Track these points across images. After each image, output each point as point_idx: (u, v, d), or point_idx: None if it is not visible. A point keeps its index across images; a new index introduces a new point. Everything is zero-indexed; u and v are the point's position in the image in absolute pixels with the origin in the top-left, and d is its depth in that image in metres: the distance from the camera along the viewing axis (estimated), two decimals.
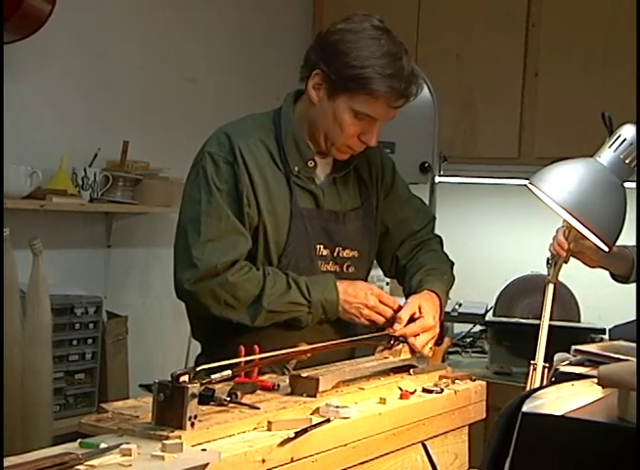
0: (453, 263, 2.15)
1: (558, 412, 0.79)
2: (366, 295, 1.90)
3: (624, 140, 1.49)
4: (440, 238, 2.21)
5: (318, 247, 1.94)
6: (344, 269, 1.98)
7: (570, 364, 1.18)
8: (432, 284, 1.98)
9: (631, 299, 2.58)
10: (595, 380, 0.96)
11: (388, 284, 3.26)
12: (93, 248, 3.02)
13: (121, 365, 2.98)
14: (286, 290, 1.86)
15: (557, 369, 1.15)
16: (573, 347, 1.24)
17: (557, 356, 1.24)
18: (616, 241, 1.53)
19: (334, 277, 1.92)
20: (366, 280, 2.06)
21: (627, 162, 1.49)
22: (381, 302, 1.90)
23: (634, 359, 1.08)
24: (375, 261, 2.16)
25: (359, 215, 2.01)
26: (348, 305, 1.89)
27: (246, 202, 1.87)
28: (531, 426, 0.79)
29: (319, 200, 1.96)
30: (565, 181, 1.47)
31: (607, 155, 1.51)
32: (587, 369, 1.16)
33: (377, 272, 2.33)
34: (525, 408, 0.84)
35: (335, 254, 1.97)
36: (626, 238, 1.61)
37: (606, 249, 1.51)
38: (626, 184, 1.70)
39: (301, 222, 1.91)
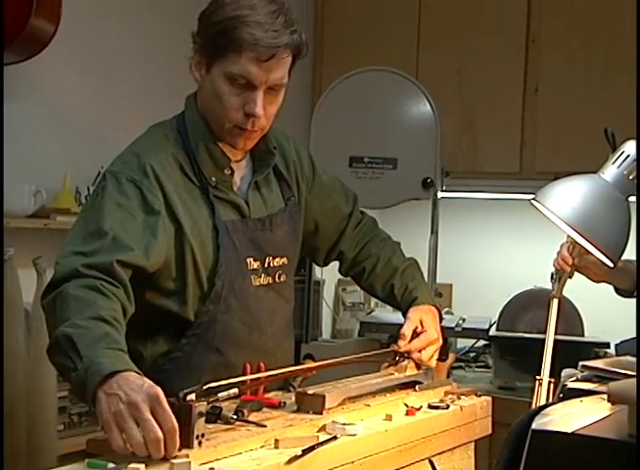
0: (399, 243, 2.10)
1: (567, 429, 0.79)
2: (142, 401, 1.27)
3: (627, 156, 1.49)
4: (371, 217, 2.10)
5: (248, 261, 1.77)
6: (277, 279, 1.83)
7: (577, 380, 1.17)
8: (423, 295, 1.96)
9: (635, 312, 2.59)
10: (603, 396, 0.96)
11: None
12: None
13: None
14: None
15: (565, 385, 1.15)
16: (581, 363, 1.24)
17: (564, 372, 1.23)
18: (620, 256, 1.54)
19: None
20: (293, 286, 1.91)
21: (631, 178, 1.49)
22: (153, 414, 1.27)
23: None
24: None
25: (285, 219, 1.86)
26: (106, 402, 1.32)
27: (162, 226, 1.64)
28: (541, 443, 0.79)
29: (242, 209, 1.78)
30: (569, 198, 1.47)
31: (610, 171, 1.51)
32: (595, 385, 1.16)
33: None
34: (534, 426, 0.84)
35: (265, 264, 1.81)
36: (630, 252, 1.61)
37: (610, 264, 1.51)
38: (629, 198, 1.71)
39: (228, 237, 1.73)
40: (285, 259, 1.85)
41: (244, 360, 1.64)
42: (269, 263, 1.81)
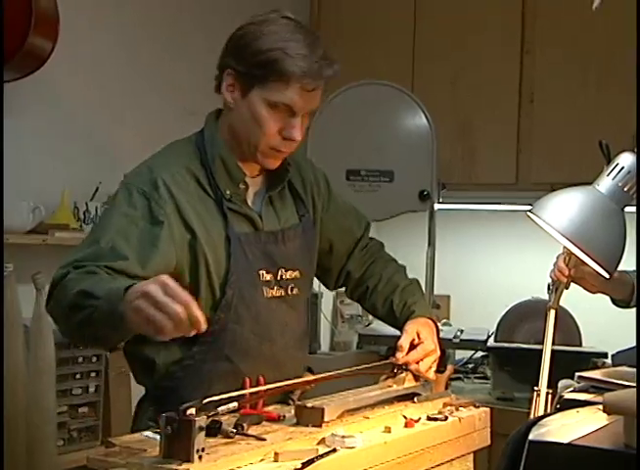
0: (404, 267, 2.14)
1: (564, 440, 0.80)
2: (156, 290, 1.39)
3: (622, 168, 1.51)
4: (379, 241, 2.15)
5: (261, 273, 1.82)
6: (289, 292, 1.87)
7: (574, 391, 1.18)
8: (421, 310, 1.98)
9: (632, 322, 2.59)
10: (600, 407, 0.97)
11: None
12: None
13: (125, 398, 2.97)
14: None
15: (561, 396, 1.16)
16: (577, 373, 1.25)
17: (561, 383, 1.24)
18: (616, 267, 1.55)
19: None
20: (308, 301, 1.97)
21: (626, 189, 1.51)
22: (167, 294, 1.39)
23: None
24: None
25: (298, 233, 1.91)
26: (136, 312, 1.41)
27: (166, 236, 1.69)
28: (538, 454, 0.80)
29: (256, 222, 1.84)
30: (565, 210, 1.49)
31: (605, 183, 1.52)
32: (592, 396, 1.17)
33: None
34: (531, 436, 0.84)
35: (278, 277, 1.85)
36: (626, 263, 1.62)
37: (607, 275, 1.52)
38: (626, 208, 1.72)
39: (240, 249, 1.79)
40: (297, 273, 1.89)
41: (254, 370, 1.70)
42: (282, 276, 1.86)
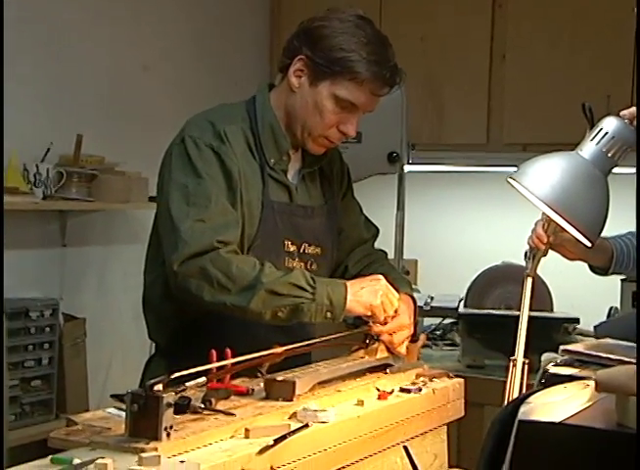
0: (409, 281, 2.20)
1: (554, 419, 0.81)
2: (375, 291, 1.83)
3: (606, 133, 1.51)
4: (385, 252, 2.26)
5: (286, 242, 1.95)
6: (308, 267, 1.98)
7: (557, 365, 1.20)
8: (404, 288, 2.01)
9: (604, 286, 2.62)
10: (587, 382, 0.98)
11: None
12: (47, 248, 3.00)
13: (80, 370, 2.97)
14: (287, 272, 1.82)
15: (546, 371, 1.17)
16: (561, 347, 1.26)
17: (544, 357, 1.26)
18: (599, 236, 1.56)
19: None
20: None
21: (610, 155, 1.51)
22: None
23: (629, 360, 1.10)
24: None
25: (324, 212, 2.05)
26: (356, 302, 1.82)
27: (235, 186, 1.87)
28: (528, 434, 0.81)
29: (292, 194, 1.98)
30: (546, 176, 1.49)
31: (589, 148, 1.52)
32: (577, 370, 1.19)
33: None
34: (520, 416, 0.85)
35: (301, 250, 1.98)
36: (605, 230, 1.63)
37: (589, 244, 1.53)
38: (626, 170, 1.74)
39: (272, 216, 1.92)
40: (319, 250, 2.02)
41: (265, 331, 1.81)
42: (304, 250, 1.99)
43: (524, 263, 1.97)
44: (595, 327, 1.84)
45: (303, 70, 1.90)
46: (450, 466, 1.87)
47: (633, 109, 1.55)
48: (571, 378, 1.10)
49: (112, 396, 1.41)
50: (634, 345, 1.36)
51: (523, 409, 0.87)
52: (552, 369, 1.17)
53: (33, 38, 2.87)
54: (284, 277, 1.79)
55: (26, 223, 2.88)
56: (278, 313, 1.78)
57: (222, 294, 1.78)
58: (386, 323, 1.86)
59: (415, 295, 2.08)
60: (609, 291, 3.05)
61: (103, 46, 3.14)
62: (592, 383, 0.94)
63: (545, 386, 1.03)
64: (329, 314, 1.80)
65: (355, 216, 2.19)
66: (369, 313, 1.84)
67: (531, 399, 0.92)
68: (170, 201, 1.83)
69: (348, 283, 1.84)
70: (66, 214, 3.02)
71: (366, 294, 1.83)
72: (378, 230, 2.24)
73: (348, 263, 2.16)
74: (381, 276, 1.88)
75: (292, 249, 1.96)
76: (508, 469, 0.82)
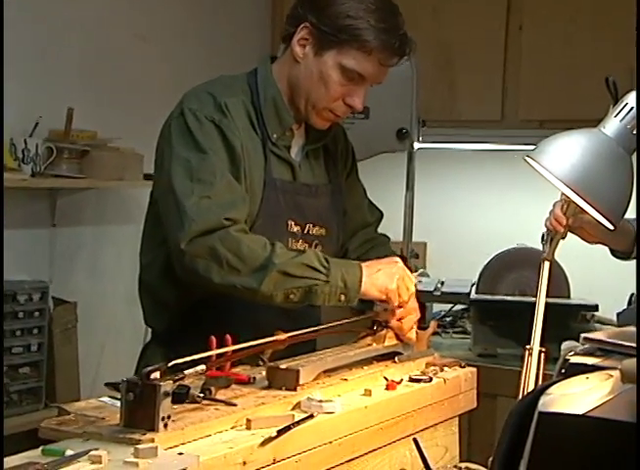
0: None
1: (577, 411, 0.81)
2: (392, 275, 1.82)
3: (632, 109, 1.49)
4: (387, 237, 2.25)
5: (289, 222, 1.95)
6: (313, 248, 1.98)
7: (577, 354, 1.20)
8: None
9: (625, 271, 2.61)
10: (610, 372, 0.98)
11: None
12: (36, 228, 3.00)
13: (71, 357, 2.97)
14: (299, 253, 1.83)
15: (566, 360, 1.18)
16: (583, 335, 1.26)
17: (564, 345, 1.26)
18: (622, 218, 1.55)
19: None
20: None
21: (635, 132, 1.49)
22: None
23: None
24: None
25: (329, 192, 2.05)
26: (371, 285, 1.81)
27: (238, 161, 1.86)
28: (550, 426, 0.80)
29: (295, 171, 1.98)
30: (567, 154, 1.47)
31: (612, 125, 1.51)
32: (599, 360, 1.19)
33: None
34: (540, 407, 0.85)
35: (305, 230, 1.98)
36: (629, 212, 1.62)
37: (611, 227, 1.53)
38: None
39: (275, 194, 1.92)
40: (323, 230, 2.01)
41: (269, 317, 1.81)
42: (308, 230, 1.98)
43: (540, 247, 1.97)
44: (618, 314, 1.83)
45: (308, 38, 1.88)
46: (461, 461, 1.88)
47: None
48: (592, 368, 1.10)
49: (106, 384, 1.41)
50: None
51: (542, 400, 0.87)
52: (573, 359, 1.17)
53: (21, 8, 2.85)
54: (297, 258, 1.78)
55: (14, 202, 2.87)
56: (290, 296, 1.78)
57: (232, 275, 1.77)
58: (401, 307, 1.85)
59: (424, 279, 2.09)
60: (630, 276, 3.03)
61: (95, 13, 3.12)
62: (615, 373, 0.94)
63: (566, 376, 1.03)
64: (343, 297, 1.80)
65: (359, 198, 2.19)
66: (383, 297, 1.83)
67: (552, 389, 0.92)
68: (173, 176, 1.82)
69: (364, 265, 1.83)
70: (55, 193, 3.02)
71: (382, 277, 1.82)
72: (382, 214, 2.24)
73: (349, 247, 2.16)
74: (398, 259, 1.88)
75: (295, 229, 1.96)
76: (527, 461, 0.82)
